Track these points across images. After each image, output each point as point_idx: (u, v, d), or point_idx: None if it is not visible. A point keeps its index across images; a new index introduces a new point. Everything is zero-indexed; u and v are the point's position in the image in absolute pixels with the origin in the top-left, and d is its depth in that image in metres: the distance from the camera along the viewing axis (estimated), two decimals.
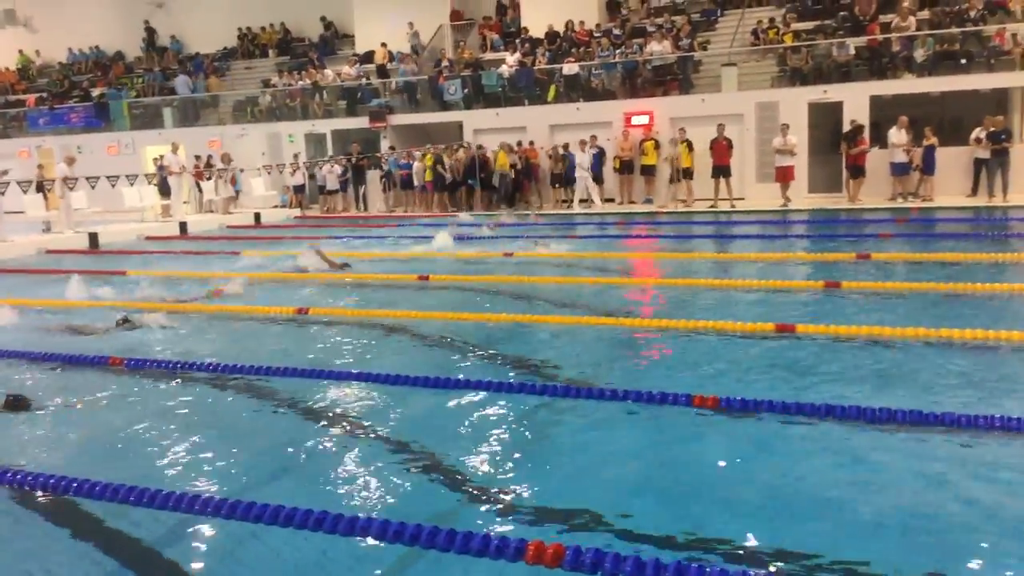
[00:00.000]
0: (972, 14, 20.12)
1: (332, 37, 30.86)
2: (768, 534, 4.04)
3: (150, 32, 34.20)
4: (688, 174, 20.37)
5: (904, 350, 7.15)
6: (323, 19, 30.78)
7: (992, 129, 17.64)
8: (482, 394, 6.26)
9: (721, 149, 19.83)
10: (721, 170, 19.87)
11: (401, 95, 25.58)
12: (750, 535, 4.02)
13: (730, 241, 15.06)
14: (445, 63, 25.61)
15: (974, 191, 18.10)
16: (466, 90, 24.32)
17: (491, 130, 23.24)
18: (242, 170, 23.49)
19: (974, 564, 3.76)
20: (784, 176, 19.18)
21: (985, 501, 4.34)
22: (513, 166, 21.73)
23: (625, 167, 21.39)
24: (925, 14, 20.80)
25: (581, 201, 21.11)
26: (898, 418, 5.35)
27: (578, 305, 9.60)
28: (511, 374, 6.87)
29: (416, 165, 22.62)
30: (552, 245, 14.04)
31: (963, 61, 19.56)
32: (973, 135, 17.83)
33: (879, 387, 6.20)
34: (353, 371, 6.99)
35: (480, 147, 22.18)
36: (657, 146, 21.08)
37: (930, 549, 3.90)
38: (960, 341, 7.18)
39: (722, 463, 4.99)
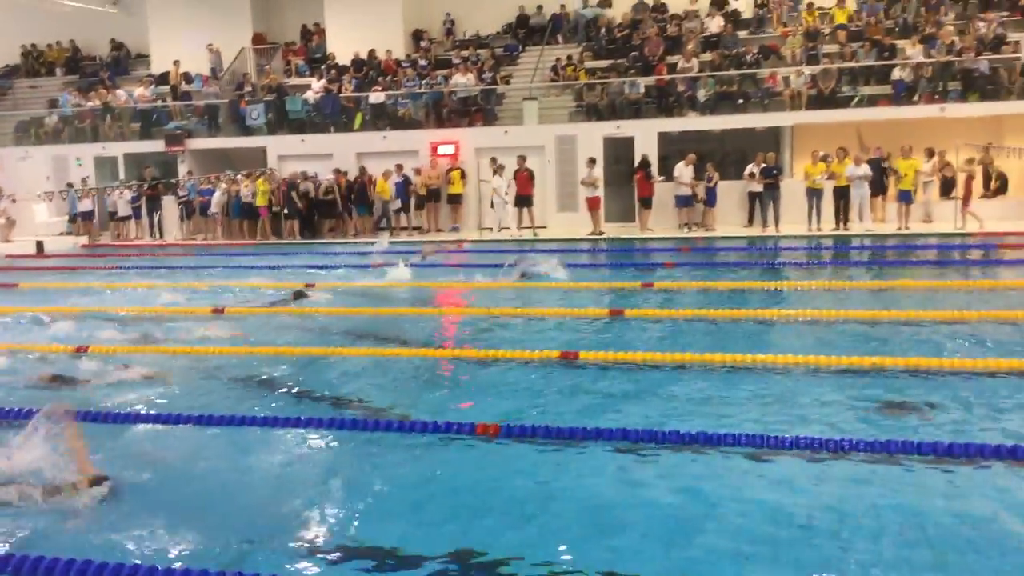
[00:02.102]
0: (748, 58, 21.90)
1: (124, 57, 29.37)
2: (542, 550, 4.26)
3: None
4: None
5: (685, 374, 7.62)
6: (112, 41, 29.25)
7: (764, 164, 19.22)
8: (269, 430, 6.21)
9: (523, 180, 20.46)
10: (524, 200, 20.50)
11: (201, 118, 24.73)
12: (527, 552, 4.23)
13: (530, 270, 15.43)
14: (248, 87, 25.02)
15: (750, 221, 19.63)
16: (270, 115, 23.85)
17: (296, 156, 22.90)
18: (13, 199, 21.84)
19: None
20: (594, 206, 19.99)
21: (754, 516, 4.68)
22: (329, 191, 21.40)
23: (432, 196, 21.65)
24: (707, 56, 22.41)
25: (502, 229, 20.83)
26: (683, 439, 5.69)
27: (374, 336, 9.63)
28: (305, 407, 6.82)
29: (216, 194, 21.85)
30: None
31: (740, 101, 21.25)
32: (747, 170, 19.35)
33: (660, 410, 6.58)
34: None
35: (363, 169, 21.62)
36: (463, 175, 21.49)
37: (691, 560, 4.24)
38: (744, 365, 7.66)
39: (506, 488, 5.19)
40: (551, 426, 5.96)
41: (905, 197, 18.22)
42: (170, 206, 22.82)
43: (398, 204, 21.20)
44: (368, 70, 24.82)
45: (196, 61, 26.24)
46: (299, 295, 12.09)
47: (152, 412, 6.78)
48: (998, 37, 20.49)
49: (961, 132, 19.13)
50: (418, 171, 21.49)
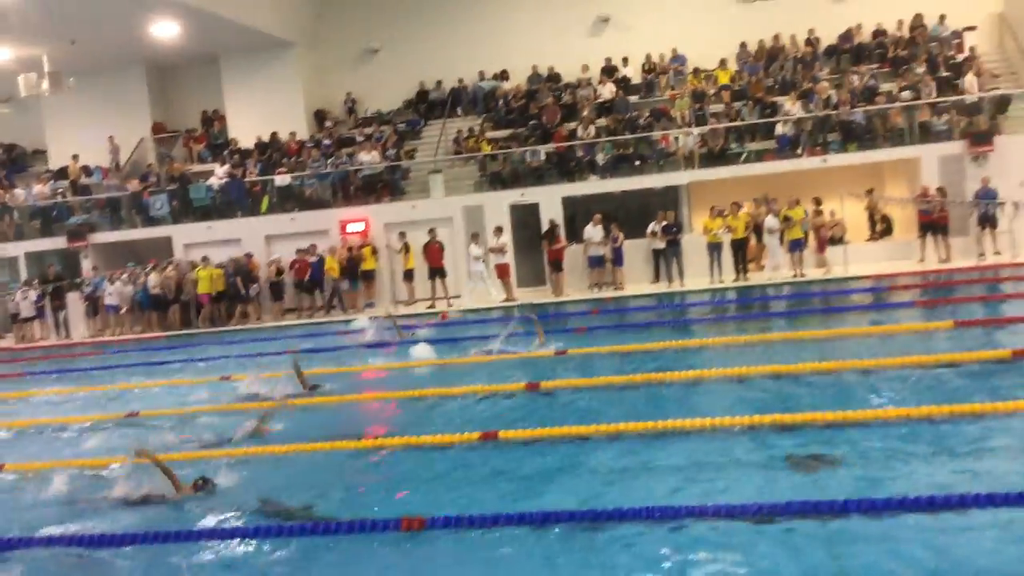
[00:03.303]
0: (641, 121, 22.84)
1: (20, 154, 28.73)
2: None
3: None
4: (409, 276, 21.13)
5: (606, 445, 7.83)
6: (3, 145, 28.65)
7: (665, 222, 19.98)
8: None
9: (434, 252, 20.79)
10: (436, 271, 20.79)
11: (103, 211, 24.37)
12: None
13: (445, 344, 15.51)
14: (150, 177, 24.82)
15: (656, 278, 20.30)
16: (174, 204, 23.68)
17: (203, 244, 22.73)
18: None
19: None
20: (503, 273, 20.38)
21: None
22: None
23: (346, 273, 21.71)
24: (603, 122, 23.28)
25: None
26: (612, 516, 5.88)
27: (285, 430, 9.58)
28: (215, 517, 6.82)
29: (121, 286, 21.49)
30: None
31: (637, 162, 22.12)
32: (649, 228, 20.08)
33: (583, 485, 6.78)
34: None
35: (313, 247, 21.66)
36: (375, 252, 21.68)
37: None
38: (657, 431, 7.92)
39: None
40: (475, 515, 6.13)
41: (796, 245, 19.15)
42: (75, 303, 22.33)
43: (346, 284, 21.32)
44: (272, 152, 24.94)
45: (95, 154, 25.96)
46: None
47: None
48: (870, 89, 21.92)
49: (845, 180, 20.33)
50: (332, 250, 21.59)
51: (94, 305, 21.95)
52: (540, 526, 5.94)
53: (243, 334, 19.48)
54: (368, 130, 25.18)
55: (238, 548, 6.11)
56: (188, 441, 9.44)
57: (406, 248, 20.94)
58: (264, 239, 22.60)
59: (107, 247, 23.69)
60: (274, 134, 25.51)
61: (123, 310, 21.57)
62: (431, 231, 20.87)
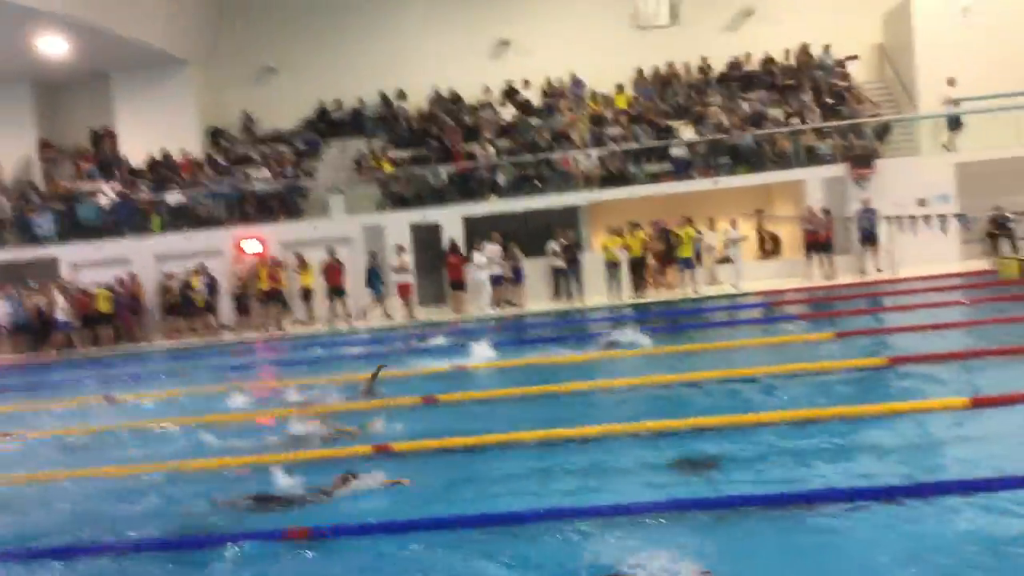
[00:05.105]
0: (541, 143, 23.13)
1: None
2: None
3: None
4: (307, 295, 20.80)
5: (504, 454, 7.87)
6: None
7: (564, 242, 20.24)
8: None
9: (334, 271, 20.52)
10: (336, 291, 20.53)
11: None
12: None
13: (347, 361, 15.34)
14: (35, 196, 23.81)
15: (556, 295, 20.52)
16: (60, 223, 22.76)
17: (91, 264, 21.90)
18: None
19: None
20: (404, 292, 20.26)
21: None
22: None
23: (240, 294, 21.23)
24: (504, 143, 23.50)
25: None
26: (504, 519, 5.95)
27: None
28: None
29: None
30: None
31: (538, 183, 22.37)
32: (549, 247, 20.31)
33: (478, 493, 6.81)
34: None
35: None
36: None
37: None
38: (564, 439, 8.05)
39: None
40: (365, 523, 6.05)
41: (686, 263, 19.67)
42: None
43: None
44: (164, 171, 24.27)
45: None
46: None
47: None
48: (759, 114, 22.77)
49: (736, 201, 21.02)
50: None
51: None
52: (432, 531, 5.93)
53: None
54: (265, 149, 24.75)
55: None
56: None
57: (303, 266, 20.61)
58: (155, 258, 21.91)
59: None
60: (166, 153, 24.83)
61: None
62: (331, 250, 20.61)
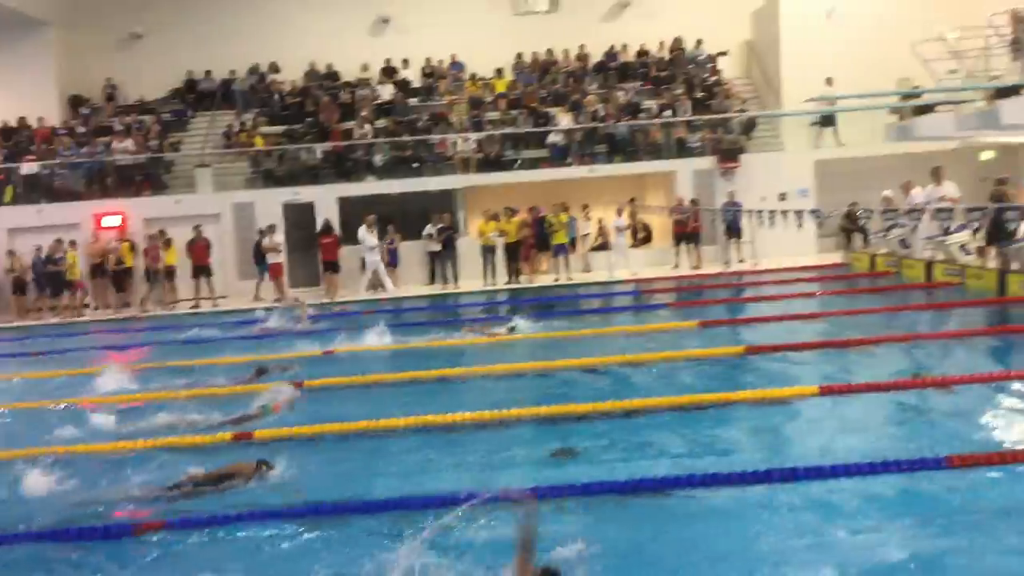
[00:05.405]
0: (420, 124, 22.92)
1: None
2: None
3: None
4: (170, 274, 19.96)
5: (378, 441, 7.79)
6: None
7: (441, 225, 20.16)
8: None
9: (200, 250, 19.79)
10: (202, 270, 19.82)
11: None
12: None
13: (208, 344, 14.82)
14: None
15: (431, 279, 20.44)
16: None
17: None
18: None
19: None
20: (275, 272, 19.69)
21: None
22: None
23: (98, 271, 20.21)
24: (382, 123, 23.16)
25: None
26: (381, 507, 5.88)
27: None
28: None
29: None
30: None
31: (415, 165, 22.17)
32: (425, 231, 20.19)
33: (344, 483, 6.69)
34: None
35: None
36: (132, 248, 20.31)
37: None
38: (428, 425, 8.03)
39: None
40: (219, 514, 5.87)
41: (560, 250, 19.94)
42: None
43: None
44: (18, 139, 22.79)
45: None
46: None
47: None
48: (634, 105, 23.25)
49: (611, 189, 21.42)
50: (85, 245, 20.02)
51: None
52: (292, 520, 5.83)
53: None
54: (128, 119, 23.58)
55: None
56: None
57: (167, 243, 19.77)
58: (6, 232, 20.58)
59: None
60: (22, 119, 23.33)
61: None
62: (197, 228, 19.85)
